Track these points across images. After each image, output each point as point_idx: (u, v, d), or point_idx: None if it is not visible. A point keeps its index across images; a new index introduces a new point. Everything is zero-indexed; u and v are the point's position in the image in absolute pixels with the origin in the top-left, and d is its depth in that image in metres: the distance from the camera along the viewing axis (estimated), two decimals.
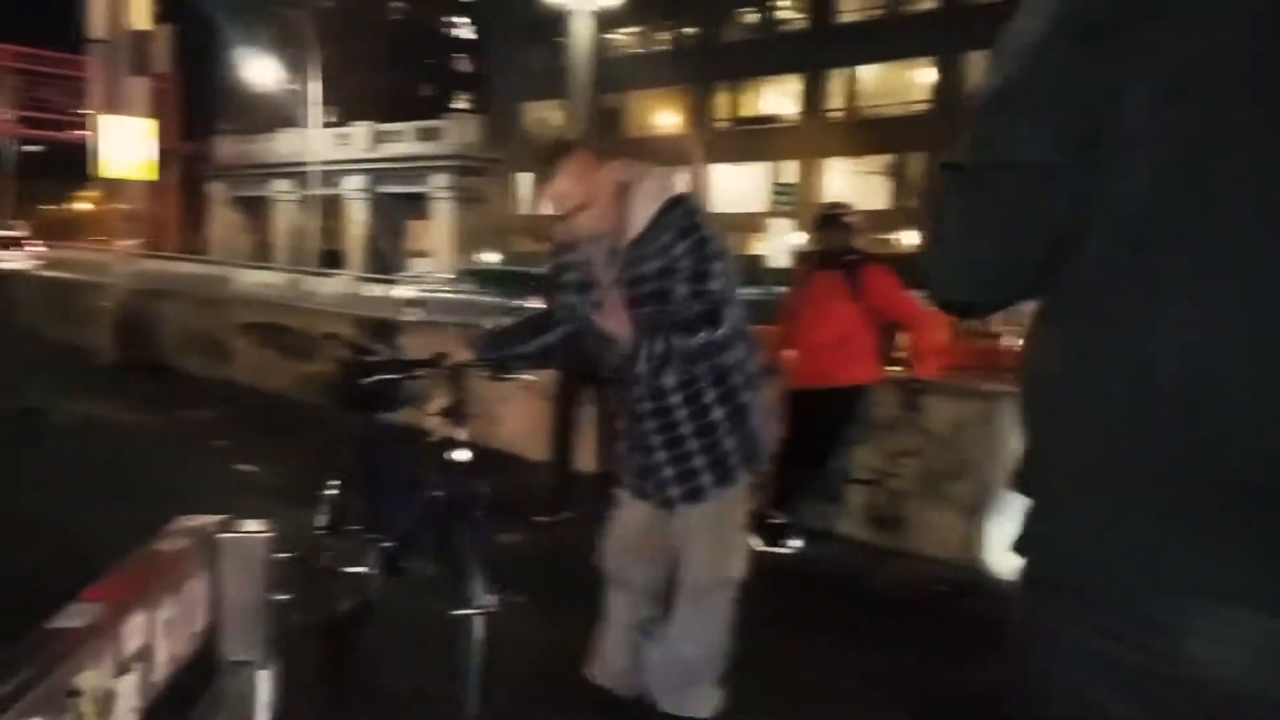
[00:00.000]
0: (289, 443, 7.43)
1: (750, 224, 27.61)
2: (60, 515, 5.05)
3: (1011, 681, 1.26)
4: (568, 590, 3.33)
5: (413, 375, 3.76)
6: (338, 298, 23.83)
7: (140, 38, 13.36)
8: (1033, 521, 1.20)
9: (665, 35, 41.01)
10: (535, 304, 22.26)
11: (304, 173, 37.88)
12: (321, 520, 4.11)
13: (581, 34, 17.24)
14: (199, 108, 40.80)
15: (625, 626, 3.21)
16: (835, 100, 36.83)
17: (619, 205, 2.95)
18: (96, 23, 13.27)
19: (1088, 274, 1.13)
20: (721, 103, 39.50)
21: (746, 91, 39.20)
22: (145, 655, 1.19)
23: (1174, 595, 1.07)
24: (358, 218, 42.81)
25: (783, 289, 7.25)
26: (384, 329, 8.83)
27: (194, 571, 1.35)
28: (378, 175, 42.18)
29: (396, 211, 42.44)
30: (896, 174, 34.95)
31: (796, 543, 5.43)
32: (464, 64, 58.53)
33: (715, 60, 37.91)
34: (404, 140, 42.32)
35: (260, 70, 32.35)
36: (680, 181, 3.48)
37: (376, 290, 25.82)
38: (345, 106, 44.58)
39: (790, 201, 24.57)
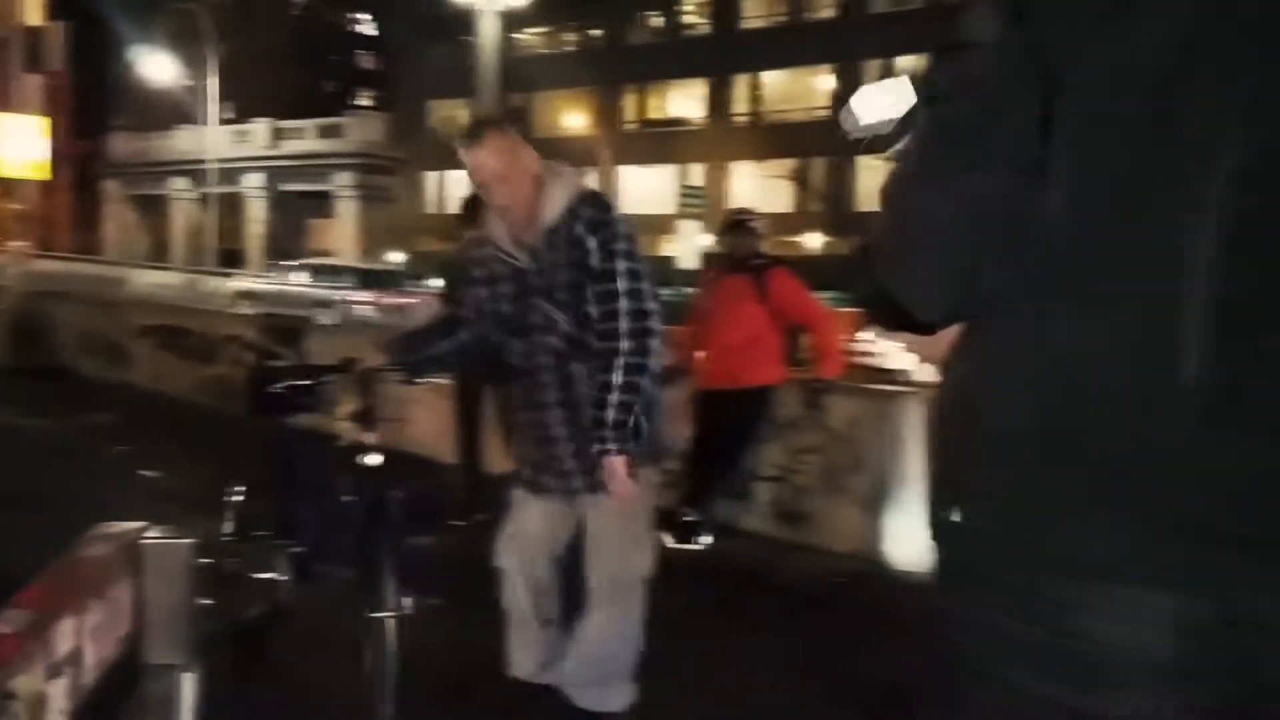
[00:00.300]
0: (192, 447, 7.31)
1: (659, 226, 27.78)
2: None
3: (922, 661, 1.35)
4: (481, 592, 3.37)
5: (322, 380, 3.77)
6: (170, 288, 24.10)
7: (32, 34, 12.97)
8: (947, 511, 1.28)
9: (572, 36, 41.02)
10: (363, 296, 23.80)
11: (202, 170, 36.98)
12: (228, 527, 4.09)
13: (488, 33, 17.17)
14: (94, 104, 39.49)
15: (530, 621, 3.25)
16: (740, 105, 37.27)
17: (534, 194, 3.03)
18: None
19: (1002, 285, 1.21)
20: (629, 105, 39.65)
21: (654, 94, 39.43)
22: (75, 659, 1.22)
23: (1072, 575, 1.15)
24: (258, 216, 41.90)
25: (692, 290, 7.38)
26: (291, 334, 8.72)
27: (118, 578, 1.39)
28: (279, 173, 41.33)
29: (299, 210, 41.65)
30: (800, 178, 35.54)
31: (706, 539, 5.55)
32: (367, 61, 57.67)
33: (622, 62, 38.04)
34: (305, 137, 41.54)
35: (157, 66, 31.49)
36: (590, 182, 3.56)
37: (211, 284, 26.55)
38: (245, 103, 43.57)
39: (698, 204, 24.77)
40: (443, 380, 5.69)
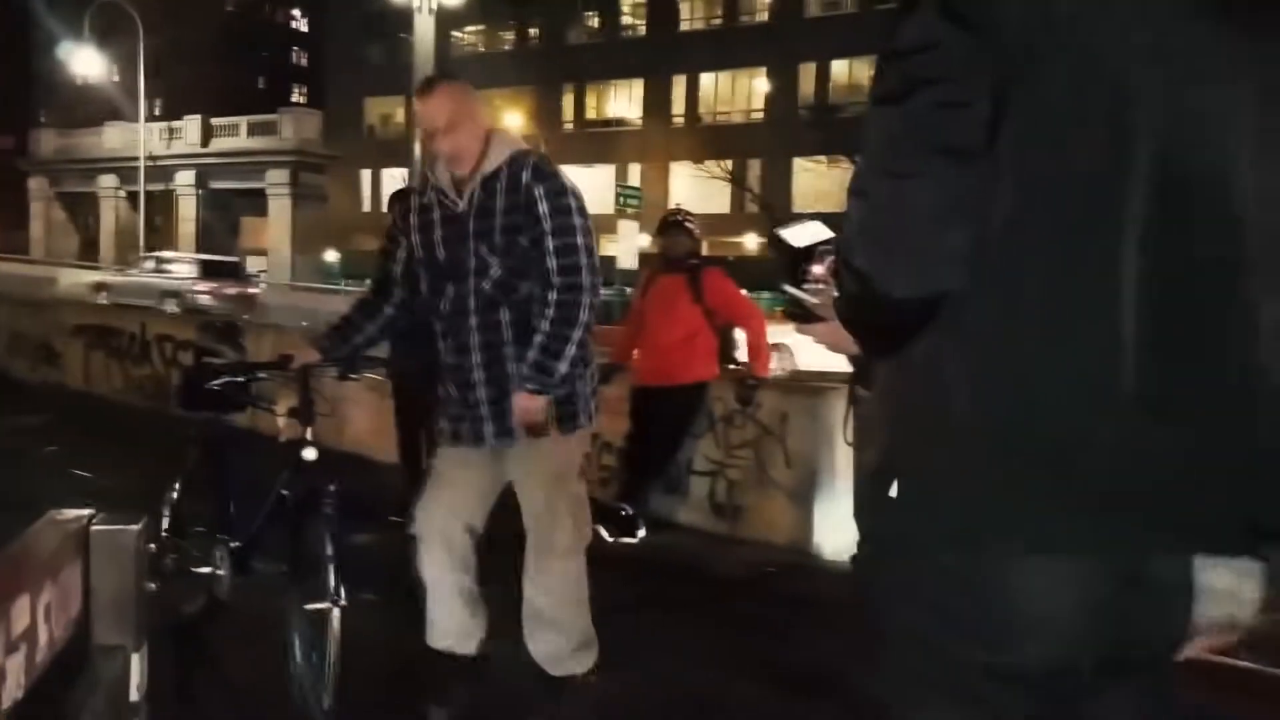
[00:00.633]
0: (124, 447, 7.26)
1: (599, 225, 27.78)
2: None
3: (845, 644, 1.44)
4: (419, 588, 3.43)
5: (258, 377, 3.81)
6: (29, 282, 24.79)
7: None
8: (887, 494, 1.36)
9: (510, 36, 40.93)
10: (204, 286, 25.28)
11: (132, 168, 36.26)
12: (164, 523, 4.10)
13: (425, 31, 17.10)
14: (17, 99, 38.50)
15: (449, 586, 3.24)
16: (678, 106, 37.50)
17: (479, 145, 3.15)
18: None
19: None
20: (567, 105, 39.68)
21: (592, 94, 39.50)
22: (30, 636, 1.28)
23: (1006, 546, 1.26)
24: (189, 215, 41.13)
25: (632, 290, 7.49)
26: (228, 331, 8.66)
27: (69, 561, 1.44)
28: (210, 170, 40.58)
29: (231, 208, 40.97)
30: (738, 179, 35.85)
31: (642, 533, 5.66)
32: (300, 57, 56.98)
33: (561, 62, 38.08)
34: (237, 135, 40.83)
35: (84, 61, 30.81)
36: None
37: (71, 277, 28.47)
38: (176, 99, 42.81)
39: (636, 204, 24.91)
40: (379, 377, 5.71)
